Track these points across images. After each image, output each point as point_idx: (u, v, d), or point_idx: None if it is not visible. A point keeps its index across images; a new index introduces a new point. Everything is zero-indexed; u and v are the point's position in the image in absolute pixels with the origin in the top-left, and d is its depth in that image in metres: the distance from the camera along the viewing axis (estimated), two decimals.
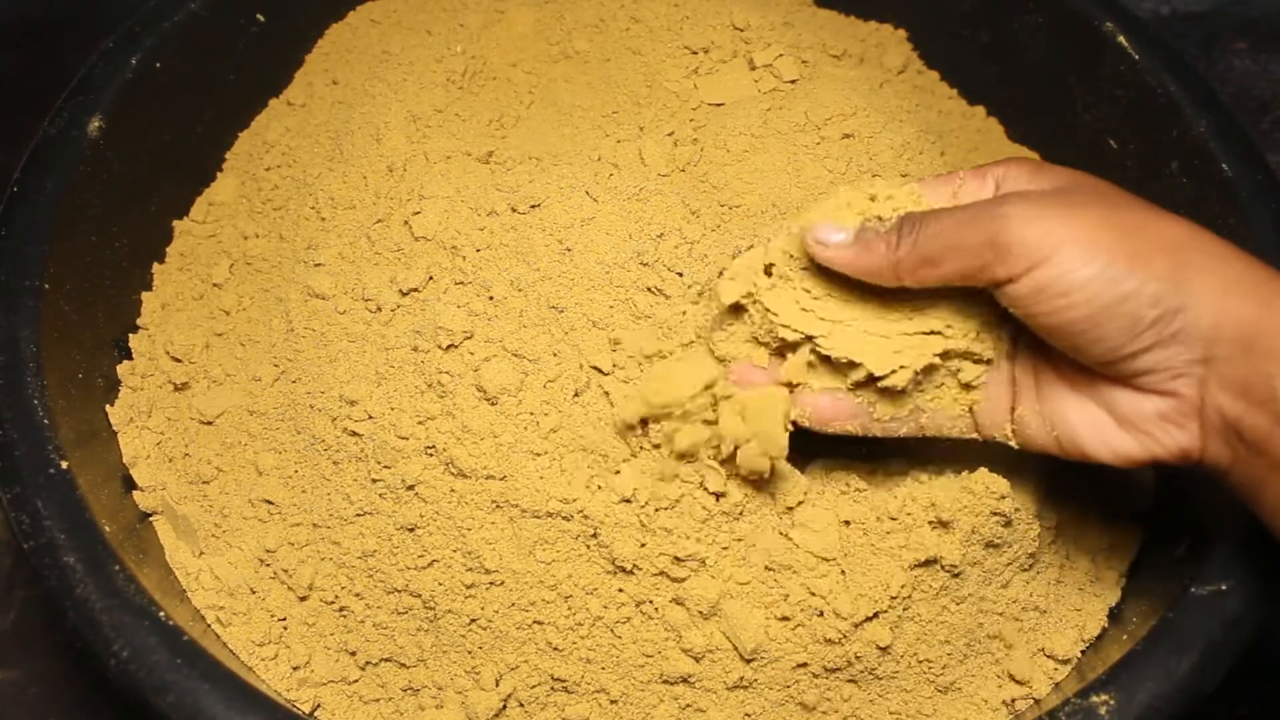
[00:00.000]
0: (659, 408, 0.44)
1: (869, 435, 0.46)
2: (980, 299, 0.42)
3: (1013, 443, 0.44)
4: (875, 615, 0.46)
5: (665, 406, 0.44)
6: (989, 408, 0.45)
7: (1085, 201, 0.39)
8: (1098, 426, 0.41)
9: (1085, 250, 0.37)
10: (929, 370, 0.44)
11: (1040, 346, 0.42)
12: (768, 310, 0.44)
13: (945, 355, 0.43)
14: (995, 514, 0.46)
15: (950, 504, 0.46)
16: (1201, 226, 0.39)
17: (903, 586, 0.46)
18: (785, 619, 0.46)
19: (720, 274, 0.45)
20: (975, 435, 0.45)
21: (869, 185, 0.43)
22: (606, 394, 0.47)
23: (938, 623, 0.47)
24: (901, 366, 0.43)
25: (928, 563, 0.46)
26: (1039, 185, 0.41)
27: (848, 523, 0.47)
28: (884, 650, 0.47)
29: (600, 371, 0.47)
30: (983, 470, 0.46)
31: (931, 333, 0.43)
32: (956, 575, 0.47)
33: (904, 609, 0.47)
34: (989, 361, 0.44)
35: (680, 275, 0.49)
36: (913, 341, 0.43)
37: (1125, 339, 0.38)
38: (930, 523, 0.46)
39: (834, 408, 0.45)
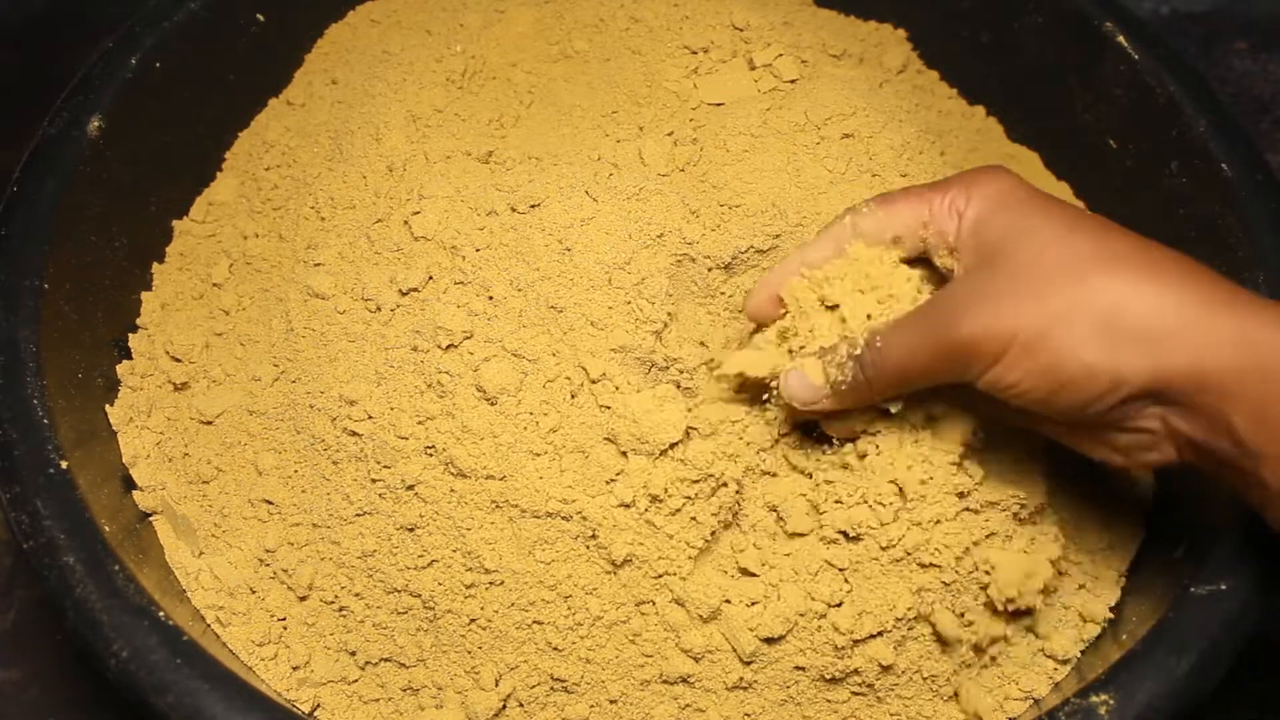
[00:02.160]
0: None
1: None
2: None
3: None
4: (879, 634, 0.46)
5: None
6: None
7: (1023, 281, 0.40)
8: (1089, 443, 0.43)
9: (1026, 347, 0.39)
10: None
11: None
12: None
13: None
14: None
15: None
16: (1138, 270, 0.39)
17: (909, 609, 0.46)
18: (788, 623, 0.46)
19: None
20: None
21: (818, 286, 0.45)
22: (604, 397, 0.47)
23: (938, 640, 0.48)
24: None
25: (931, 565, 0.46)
26: (990, 234, 0.42)
27: (854, 538, 0.47)
28: (885, 669, 0.47)
29: (587, 374, 0.47)
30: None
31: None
32: (955, 585, 0.47)
33: (909, 629, 0.47)
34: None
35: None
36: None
37: (1083, 407, 0.40)
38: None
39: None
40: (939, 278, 0.45)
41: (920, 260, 0.46)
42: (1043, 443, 0.51)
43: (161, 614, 0.43)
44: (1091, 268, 0.39)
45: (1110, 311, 0.38)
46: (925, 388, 0.43)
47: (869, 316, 0.44)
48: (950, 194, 0.43)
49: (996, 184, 0.43)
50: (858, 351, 0.43)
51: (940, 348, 0.41)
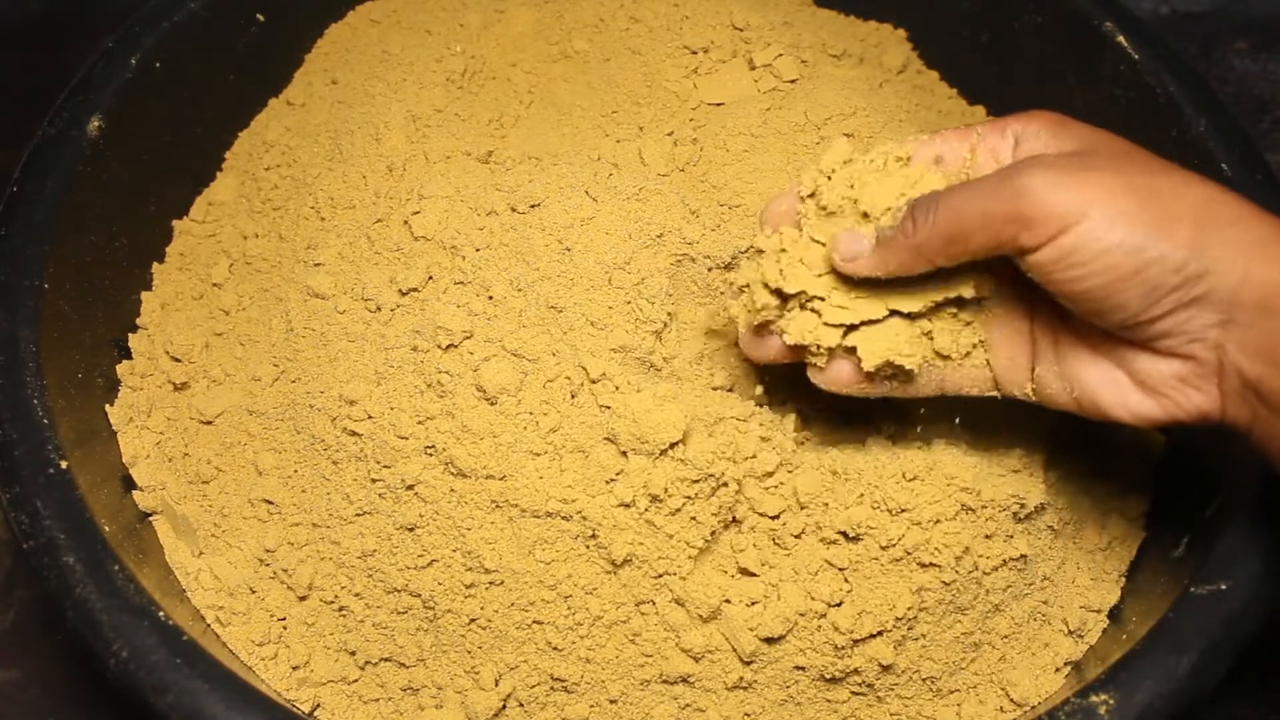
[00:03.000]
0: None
1: (892, 396, 0.46)
2: None
3: (1032, 399, 0.44)
4: (879, 633, 0.46)
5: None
6: (1009, 366, 0.44)
7: (1106, 165, 0.38)
8: (1117, 388, 0.41)
9: (1107, 217, 0.37)
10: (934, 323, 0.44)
11: (1058, 309, 0.41)
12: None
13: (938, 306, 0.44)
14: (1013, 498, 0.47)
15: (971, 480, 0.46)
16: (1224, 188, 0.38)
17: (909, 609, 0.46)
18: (788, 623, 0.46)
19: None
20: (995, 393, 0.45)
21: (874, 152, 0.43)
22: (605, 396, 0.47)
23: (940, 643, 0.48)
24: (905, 355, 0.43)
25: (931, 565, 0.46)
26: (1059, 145, 0.41)
27: (854, 538, 0.47)
28: (885, 668, 0.47)
29: (587, 374, 0.47)
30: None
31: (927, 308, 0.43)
32: (955, 585, 0.47)
33: (908, 629, 0.47)
34: (981, 300, 0.44)
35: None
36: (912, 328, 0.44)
37: (1145, 305, 0.38)
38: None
39: (854, 373, 0.45)
40: None
41: None
42: (1043, 443, 0.51)
43: (161, 614, 0.43)
44: (1174, 170, 0.38)
45: (1202, 204, 0.37)
46: (963, 258, 0.40)
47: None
48: (1006, 121, 0.42)
49: (1052, 114, 0.42)
50: (915, 200, 0.41)
51: (1006, 201, 0.38)
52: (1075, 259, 0.37)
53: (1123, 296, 0.38)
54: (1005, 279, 0.44)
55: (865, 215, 0.42)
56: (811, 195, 0.44)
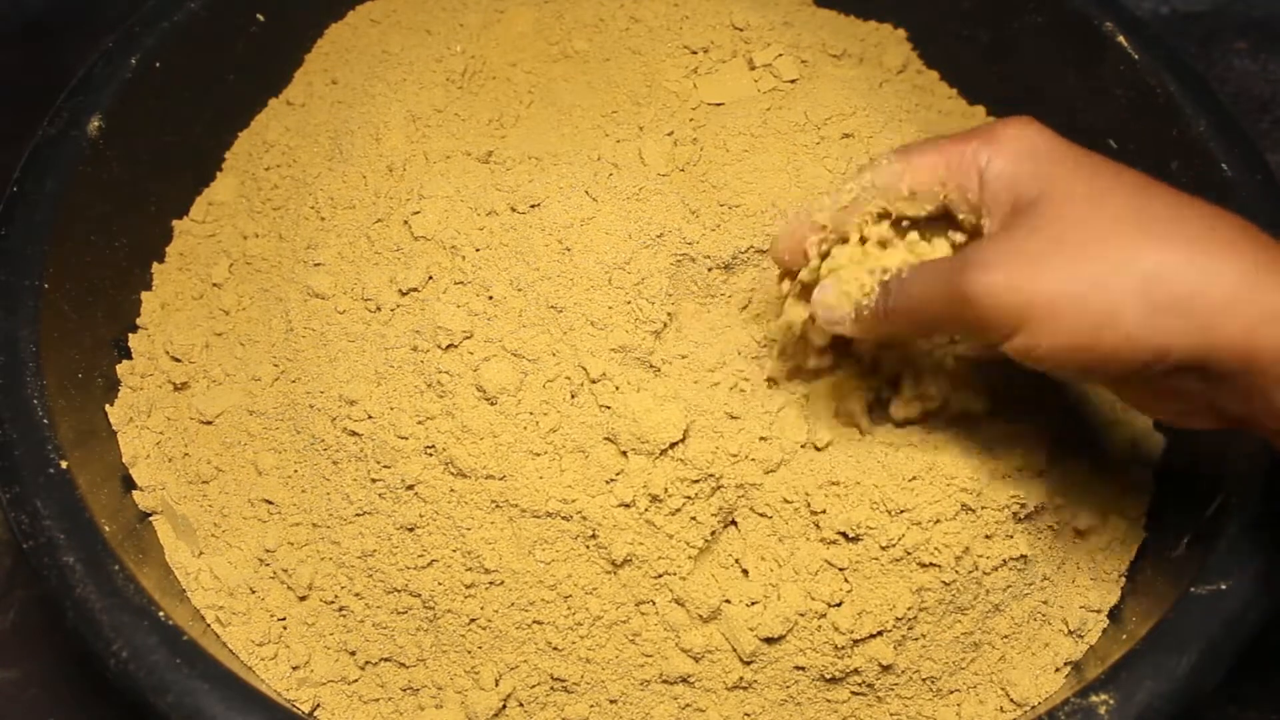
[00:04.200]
0: None
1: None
2: None
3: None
4: (879, 633, 0.46)
5: None
6: None
7: (1050, 252, 0.37)
8: (1132, 399, 0.41)
9: (1048, 324, 0.37)
10: None
11: None
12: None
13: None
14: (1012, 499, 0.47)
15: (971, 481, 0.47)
16: (1179, 236, 0.36)
17: (909, 609, 0.46)
18: (788, 623, 0.46)
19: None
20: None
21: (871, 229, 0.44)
22: (610, 393, 0.47)
23: (940, 643, 0.48)
24: None
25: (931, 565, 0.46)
26: (1021, 185, 0.39)
27: (854, 538, 0.46)
28: (885, 668, 0.47)
29: (587, 374, 0.47)
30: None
31: None
32: (955, 585, 0.47)
33: (908, 628, 0.47)
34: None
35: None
36: None
37: (1117, 380, 0.38)
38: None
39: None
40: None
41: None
42: (1044, 443, 0.51)
43: (161, 614, 0.43)
44: (1128, 231, 0.36)
45: (1151, 278, 0.35)
46: (935, 335, 0.41)
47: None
48: (971, 146, 0.40)
49: (1021, 137, 0.40)
50: (886, 280, 0.42)
51: (951, 298, 0.38)
52: (1031, 355, 0.38)
53: (1095, 375, 0.38)
54: None
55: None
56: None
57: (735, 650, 0.46)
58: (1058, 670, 0.50)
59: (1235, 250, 0.36)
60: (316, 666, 0.48)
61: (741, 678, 0.47)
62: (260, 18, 0.63)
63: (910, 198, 0.43)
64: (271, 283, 0.55)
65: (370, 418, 0.48)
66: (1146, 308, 0.35)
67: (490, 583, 0.46)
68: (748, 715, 0.48)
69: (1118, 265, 0.36)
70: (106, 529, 0.45)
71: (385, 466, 0.47)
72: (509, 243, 0.50)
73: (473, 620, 0.47)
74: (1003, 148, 0.40)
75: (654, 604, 0.46)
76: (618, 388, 0.47)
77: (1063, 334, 0.36)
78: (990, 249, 0.38)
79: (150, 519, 0.51)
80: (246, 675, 0.45)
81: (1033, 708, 0.49)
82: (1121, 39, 0.61)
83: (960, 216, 0.42)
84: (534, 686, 0.47)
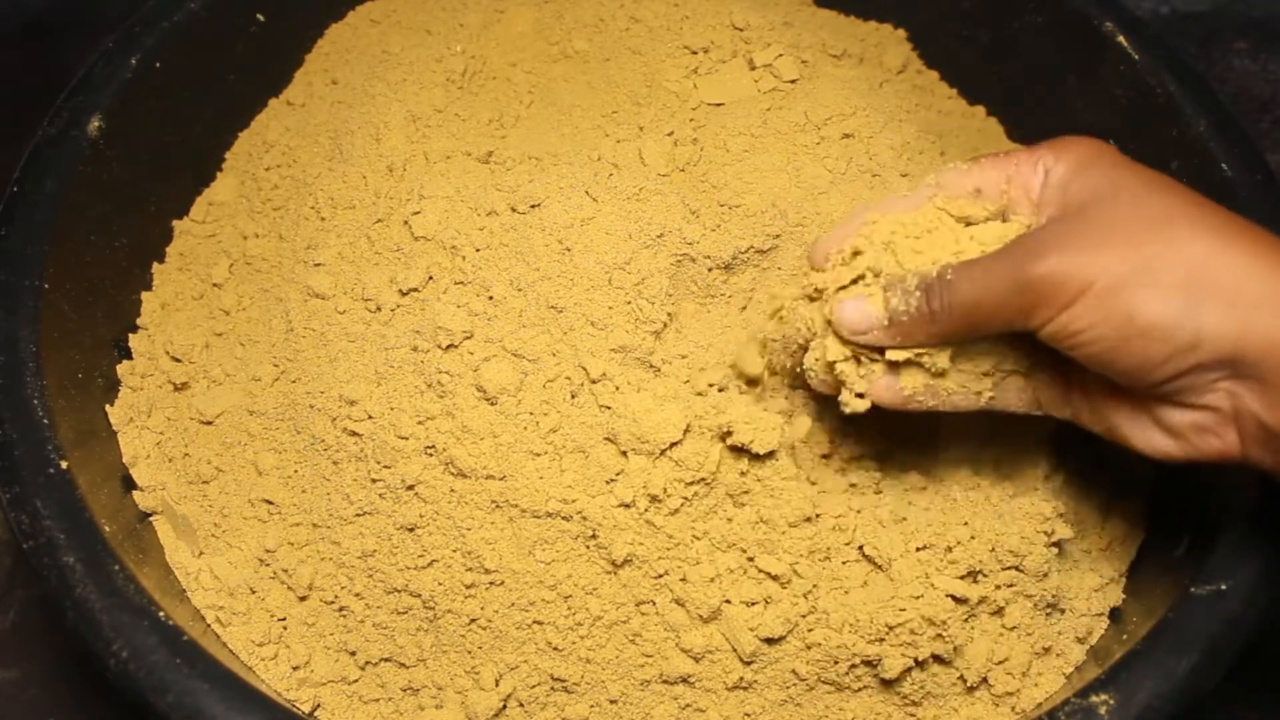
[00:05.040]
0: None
1: (938, 411, 0.45)
2: None
3: (1071, 420, 0.45)
4: (879, 635, 0.46)
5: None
6: (1051, 392, 0.45)
7: (1110, 236, 0.39)
8: (1142, 429, 0.42)
9: (1102, 294, 0.38)
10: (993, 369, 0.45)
11: None
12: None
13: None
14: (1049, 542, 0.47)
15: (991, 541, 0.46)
16: (1228, 237, 0.38)
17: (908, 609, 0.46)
18: (788, 623, 0.46)
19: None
20: (1039, 410, 0.46)
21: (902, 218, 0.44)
22: (606, 396, 0.47)
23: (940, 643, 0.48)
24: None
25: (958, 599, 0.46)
26: (1079, 189, 0.41)
27: (871, 559, 0.46)
28: (885, 669, 0.47)
29: (587, 374, 0.47)
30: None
31: None
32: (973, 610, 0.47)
33: (909, 630, 0.47)
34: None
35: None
36: None
37: (1145, 370, 0.39)
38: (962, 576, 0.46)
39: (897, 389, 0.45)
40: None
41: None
42: (1044, 443, 0.51)
43: (161, 614, 0.43)
44: (1179, 223, 0.38)
45: (1197, 267, 0.37)
46: (983, 335, 0.42)
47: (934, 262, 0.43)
48: (1039, 153, 0.43)
49: (1086, 147, 0.43)
50: (928, 282, 0.42)
51: (1015, 284, 0.39)
52: (1075, 327, 0.39)
53: (1128, 360, 0.39)
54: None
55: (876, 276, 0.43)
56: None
57: (735, 650, 0.46)
58: (1058, 670, 0.50)
59: (1276, 252, 0.37)
60: (317, 667, 0.48)
61: (742, 678, 0.47)
62: (260, 18, 0.63)
63: (975, 194, 0.44)
64: (272, 283, 0.55)
65: (370, 418, 0.48)
66: (1190, 295, 0.37)
67: (490, 583, 0.46)
68: (748, 715, 0.48)
69: (1167, 250, 0.38)
70: (106, 529, 0.45)
71: (385, 467, 0.47)
72: (509, 243, 0.50)
73: (473, 620, 0.47)
74: (1065, 154, 0.43)
75: (654, 604, 0.46)
76: (618, 388, 0.47)
77: (1104, 313, 0.38)
78: (1048, 234, 0.40)
79: (150, 519, 0.51)
80: (246, 675, 0.45)
81: (1033, 708, 0.49)
82: (1121, 39, 0.61)
83: (1016, 219, 0.43)
84: (534, 687, 0.47)
